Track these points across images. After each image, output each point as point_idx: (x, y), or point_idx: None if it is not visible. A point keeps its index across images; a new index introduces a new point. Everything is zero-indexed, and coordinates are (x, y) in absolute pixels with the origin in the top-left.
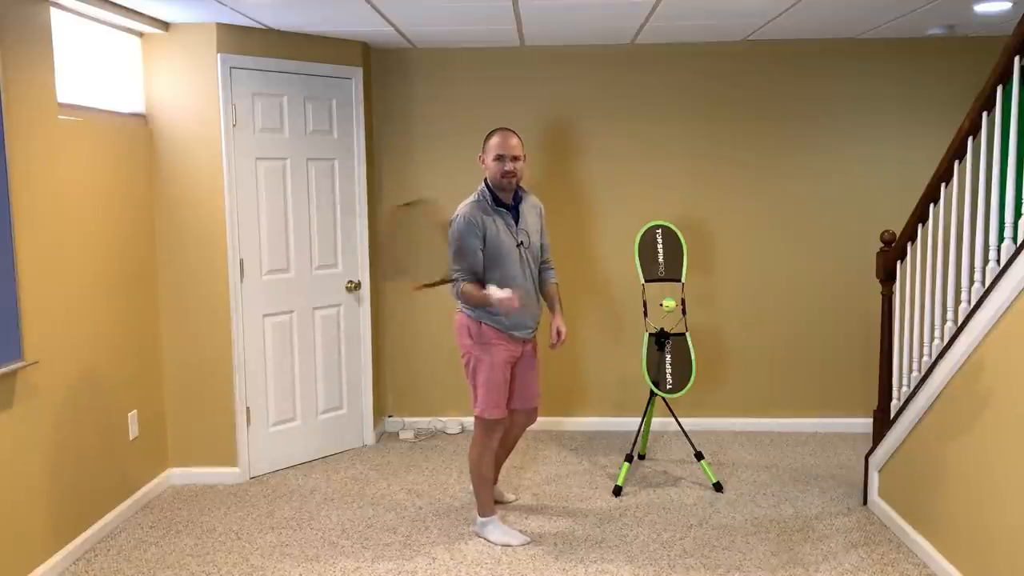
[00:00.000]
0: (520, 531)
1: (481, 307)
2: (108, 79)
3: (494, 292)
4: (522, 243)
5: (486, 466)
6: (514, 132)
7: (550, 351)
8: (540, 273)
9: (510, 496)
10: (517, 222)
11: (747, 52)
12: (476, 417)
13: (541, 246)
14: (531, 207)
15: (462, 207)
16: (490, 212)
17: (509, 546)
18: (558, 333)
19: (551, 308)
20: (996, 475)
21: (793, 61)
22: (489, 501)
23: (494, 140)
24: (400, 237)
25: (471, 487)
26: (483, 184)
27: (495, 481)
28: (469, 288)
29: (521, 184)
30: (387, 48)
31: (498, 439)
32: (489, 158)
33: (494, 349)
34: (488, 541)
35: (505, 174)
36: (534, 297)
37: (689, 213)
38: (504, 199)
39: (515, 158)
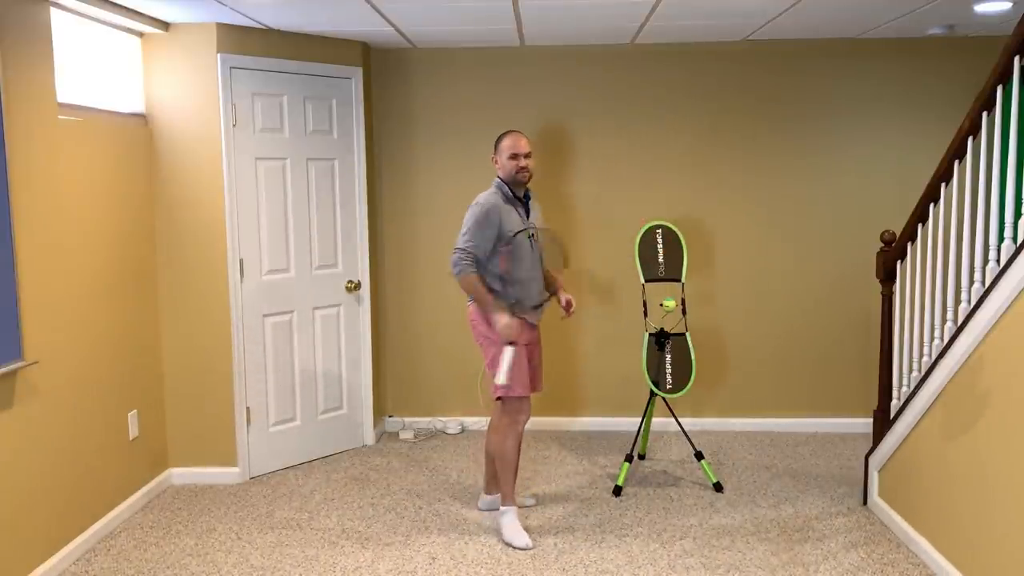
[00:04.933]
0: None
1: (479, 301)
2: (108, 79)
3: (502, 318)
4: (532, 235)
5: (511, 450)
6: (522, 133)
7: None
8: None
9: (528, 500)
10: (528, 216)
11: (747, 52)
12: (500, 399)
13: None
14: (535, 207)
15: (485, 196)
16: (508, 202)
17: (510, 545)
18: (568, 303)
19: (553, 284)
20: (996, 475)
21: (793, 61)
22: (511, 490)
23: (507, 141)
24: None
25: (481, 481)
26: (498, 180)
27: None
28: (475, 279)
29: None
30: (387, 48)
31: (524, 422)
32: (504, 158)
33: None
34: (500, 532)
35: (520, 170)
36: (542, 286)
37: (690, 213)
38: (517, 192)
39: (527, 155)
